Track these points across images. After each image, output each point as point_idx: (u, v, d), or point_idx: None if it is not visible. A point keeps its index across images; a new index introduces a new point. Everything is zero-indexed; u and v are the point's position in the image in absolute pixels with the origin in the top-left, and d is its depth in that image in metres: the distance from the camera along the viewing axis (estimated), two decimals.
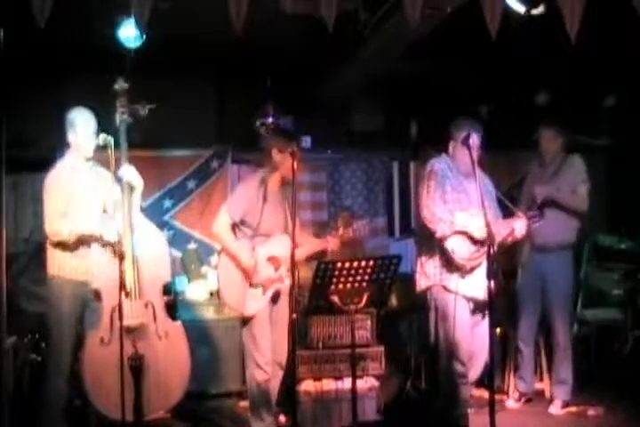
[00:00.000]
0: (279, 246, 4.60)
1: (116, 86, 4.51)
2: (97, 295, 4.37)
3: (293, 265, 4.12)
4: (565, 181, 5.27)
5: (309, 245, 4.80)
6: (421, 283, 4.73)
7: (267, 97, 6.56)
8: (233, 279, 4.62)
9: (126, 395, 4.02)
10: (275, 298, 4.62)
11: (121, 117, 4.47)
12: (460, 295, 4.53)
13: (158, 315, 4.42)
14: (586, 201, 5.27)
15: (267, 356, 4.60)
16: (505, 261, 5.46)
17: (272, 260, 4.64)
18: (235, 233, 4.64)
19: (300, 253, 4.60)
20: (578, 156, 5.41)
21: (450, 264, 4.54)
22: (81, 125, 4.47)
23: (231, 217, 4.59)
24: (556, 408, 5.28)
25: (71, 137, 4.50)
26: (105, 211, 4.58)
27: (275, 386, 4.75)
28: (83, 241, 4.38)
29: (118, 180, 4.43)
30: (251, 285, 4.58)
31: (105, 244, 4.30)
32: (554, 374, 5.40)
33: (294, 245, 4.12)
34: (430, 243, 4.62)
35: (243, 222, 4.64)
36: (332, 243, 4.73)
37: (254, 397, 4.72)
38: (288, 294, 4.45)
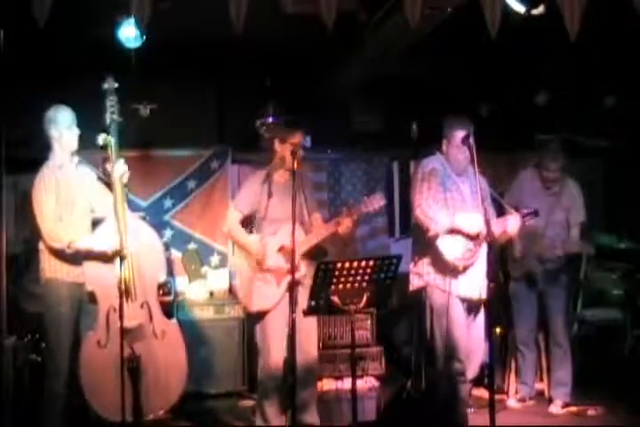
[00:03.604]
0: (289, 235, 4.43)
1: (106, 85, 4.50)
2: (92, 297, 4.36)
3: (293, 265, 4.13)
4: (566, 210, 5.37)
5: (319, 230, 4.66)
6: (414, 282, 4.74)
7: (267, 97, 6.55)
8: (246, 276, 4.67)
9: (124, 396, 4.02)
10: (292, 292, 4.35)
11: (111, 117, 4.46)
12: (453, 295, 4.54)
13: (154, 315, 4.41)
14: (578, 243, 5.37)
15: (278, 357, 4.56)
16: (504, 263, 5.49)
17: (282, 250, 4.63)
18: (247, 229, 4.73)
19: (310, 239, 4.59)
20: (573, 181, 5.51)
21: (442, 264, 4.55)
22: (61, 119, 4.48)
23: (240, 211, 4.69)
24: (556, 408, 5.29)
25: (53, 132, 4.49)
26: (93, 211, 4.57)
27: (306, 393, 4.67)
28: (79, 255, 4.38)
29: (109, 175, 4.41)
30: (262, 270, 4.60)
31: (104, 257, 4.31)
32: (553, 376, 5.41)
33: (294, 245, 4.12)
34: (423, 242, 4.62)
35: (253, 216, 4.69)
36: (343, 224, 4.51)
37: (261, 395, 4.72)
38: (306, 287, 4.28)
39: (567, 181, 5.49)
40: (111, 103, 4.46)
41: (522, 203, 5.08)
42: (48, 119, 4.51)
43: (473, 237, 4.51)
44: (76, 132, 4.50)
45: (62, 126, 4.48)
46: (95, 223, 4.55)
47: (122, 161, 4.44)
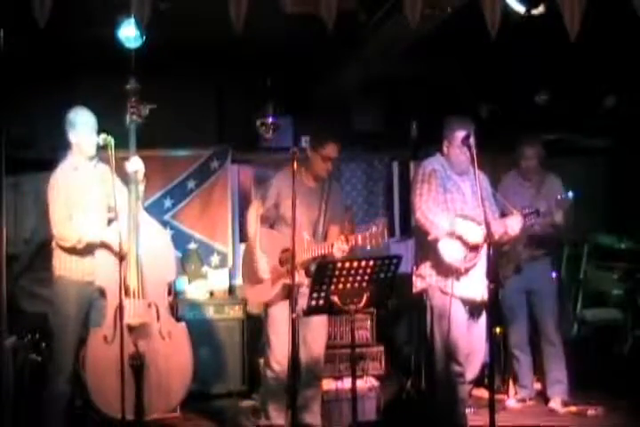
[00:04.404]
0: (296, 238, 4.36)
1: (128, 86, 4.51)
2: (101, 293, 4.38)
3: (293, 265, 4.12)
4: (547, 199, 5.30)
5: (313, 247, 4.56)
6: (417, 284, 4.74)
7: (267, 97, 6.55)
8: (248, 269, 4.70)
9: (127, 394, 4.02)
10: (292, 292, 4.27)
11: (131, 118, 4.47)
12: (455, 297, 4.54)
13: (162, 315, 4.41)
14: (562, 228, 5.37)
15: (282, 355, 4.54)
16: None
17: (284, 252, 4.60)
18: (268, 224, 4.73)
19: (305, 253, 4.53)
20: (555, 175, 5.55)
21: (444, 266, 4.55)
22: (81, 124, 4.48)
23: (262, 205, 4.70)
24: (555, 404, 5.30)
25: (72, 136, 4.51)
26: (110, 210, 4.58)
27: (308, 393, 4.70)
28: (91, 247, 4.39)
29: (125, 174, 4.42)
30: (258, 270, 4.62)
31: (112, 250, 4.32)
32: (549, 375, 5.42)
33: (294, 246, 4.12)
34: (425, 245, 4.62)
35: (272, 214, 4.70)
36: (337, 248, 4.37)
37: (264, 393, 4.74)
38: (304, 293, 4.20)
39: (548, 175, 5.54)
40: (132, 104, 4.47)
41: (506, 202, 5.06)
42: (68, 122, 4.51)
43: (471, 247, 4.51)
44: (94, 139, 4.45)
45: (81, 133, 4.48)
46: (111, 222, 4.55)
47: (137, 158, 4.44)
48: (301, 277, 4.50)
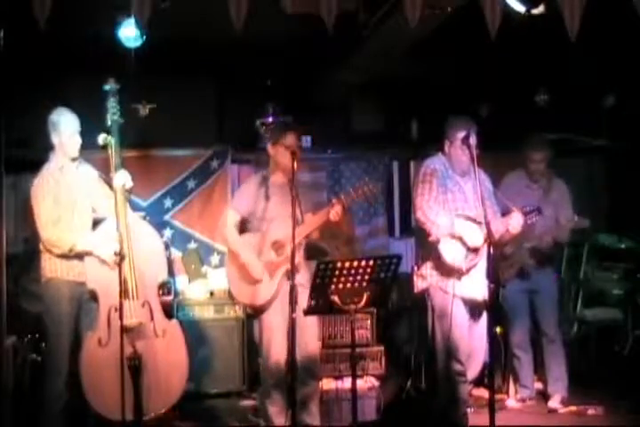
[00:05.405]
0: (282, 229, 4.44)
1: (107, 87, 4.51)
2: (93, 296, 4.37)
3: (293, 266, 4.11)
4: (554, 205, 5.37)
5: (310, 220, 4.59)
6: (418, 284, 4.75)
7: (267, 97, 6.56)
8: (239, 274, 4.66)
9: (126, 395, 4.02)
10: (292, 292, 4.21)
11: (112, 118, 4.46)
12: (457, 296, 4.54)
13: (155, 314, 4.42)
14: (567, 232, 5.38)
15: (278, 355, 4.55)
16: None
17: (275, 244, 4.61)
18: (244, 229, 4.70)
19: (302, 231, 4.51)
20: (562, 182, 5.54)
21: (445, 266, 4.55)
22: (63, 125, 4.46)
23: (238, 213, 4.69)
24: (555, 403, 5.30)
25: (55, 138, 4.49)
26: (94, 211, 4.57)
27: (305, 392, 4.66)
28: (80, 255, 4.38)
29: (111, 184, 4.41)
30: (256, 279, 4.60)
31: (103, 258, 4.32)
32: (549, 373, 5.42)
33: (294, 246, 4.12)
34: (426, 244, 4.62)
35: (251, 219, 4.69)
36: (333, 210, 4.49)
37: (262, 393, 4.73)
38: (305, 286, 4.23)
39: (554, 178, 5.52)
40: (112, 104, 4.46)
41: (508, 202, 5.06)
42: (51, 123, 4.49)
43: (471, 249, 4.51)
44: (77, 140, 4.47)
45: (64, 134, 4.47)
46: (96, 223, 4.55)
47: (123, 171, 4.42)
48: (303, 265, 4.54)
